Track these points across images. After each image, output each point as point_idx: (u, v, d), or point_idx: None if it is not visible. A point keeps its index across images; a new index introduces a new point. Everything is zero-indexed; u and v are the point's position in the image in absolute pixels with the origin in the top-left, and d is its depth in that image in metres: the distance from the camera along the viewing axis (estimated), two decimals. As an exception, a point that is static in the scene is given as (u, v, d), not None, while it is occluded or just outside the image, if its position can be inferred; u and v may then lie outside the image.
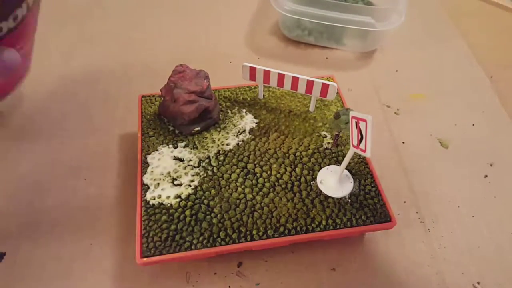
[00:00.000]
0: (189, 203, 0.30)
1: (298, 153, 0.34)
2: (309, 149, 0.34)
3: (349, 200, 0.30)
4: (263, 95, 0.39)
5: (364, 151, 0.25)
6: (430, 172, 0.38)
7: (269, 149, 0.34)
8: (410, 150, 0.40)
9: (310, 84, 0.34)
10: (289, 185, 0.31)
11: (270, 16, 0.55)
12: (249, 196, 0.30)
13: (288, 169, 0.32)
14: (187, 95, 0.34)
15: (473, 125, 0.42)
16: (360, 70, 0.48)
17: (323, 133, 0.35)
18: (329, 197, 0.30)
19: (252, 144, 0.34)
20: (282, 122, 0.36)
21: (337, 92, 0.38)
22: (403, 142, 0.40)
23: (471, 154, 0.39)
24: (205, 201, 0.30)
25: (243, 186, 0.31)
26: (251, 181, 0.31)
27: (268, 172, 0.32)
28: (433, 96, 0.45)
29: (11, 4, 0.24)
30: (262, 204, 0.30)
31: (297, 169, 0.32)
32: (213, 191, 0.31)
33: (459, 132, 0.41)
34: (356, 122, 0.26)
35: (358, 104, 0.44)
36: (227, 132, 0.35)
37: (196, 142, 0.34)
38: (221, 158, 0.33)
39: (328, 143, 0.34)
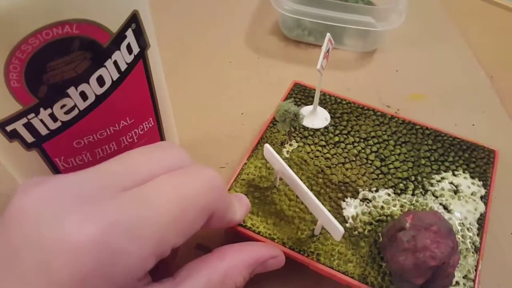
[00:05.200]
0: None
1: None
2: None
3: None
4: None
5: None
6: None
7: None
8: (410, 150, 0.40)
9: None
10: None
11: (270, 16, 0.55)
12: None
13: None
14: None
15: (473, 125, 0.42)
16: (360, 70, 0.48)
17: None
18: None
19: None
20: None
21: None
22: (403, 142, 0.40)
23: (471, 154, 0.39)
24: None
25: None
26: None
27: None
28: (433, 96, 0.45)
29: None
30: None
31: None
32: None
33: (459, 132, 0.41)
34: (324, 56, 0.31)
35: (358, 104, 0.44)
36: None
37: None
38: None
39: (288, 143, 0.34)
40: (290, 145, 0.34)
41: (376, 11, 0.45)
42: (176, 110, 0.40)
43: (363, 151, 0.34)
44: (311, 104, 0.36)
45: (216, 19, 0.55)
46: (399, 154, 0.33)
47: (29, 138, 0.23)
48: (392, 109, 0.43)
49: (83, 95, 0.23)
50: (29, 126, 0.22)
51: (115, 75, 0.24)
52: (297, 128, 0.33)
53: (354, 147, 0.34)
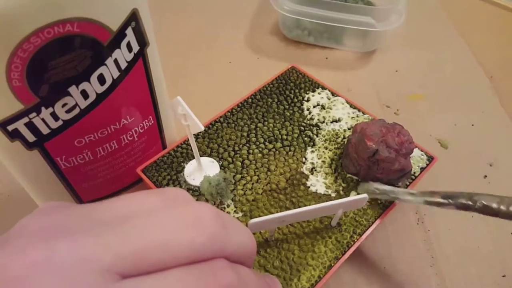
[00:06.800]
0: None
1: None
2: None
3: None
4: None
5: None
6: (429, 173, 0.38)
7: None
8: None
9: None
10: None
11: (270, 16, 0.55)
12: None
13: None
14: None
15: (472, 125, 0.42)
16: (360, 70, 0.48)
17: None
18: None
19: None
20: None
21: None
22: (403, 142, 0.40)
23: (471, 154, 0.39)
24: None
25: None
26: None
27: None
28: (433, 96, 0.45)
29: None
30: None
31: None
32: None
33: (459, 132, 0.41)
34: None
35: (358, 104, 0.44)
36: None
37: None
38: None
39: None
40: (228, 206, 0.30)
41: (376, 11, 0.45)
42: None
43: (258, 145, 0.34)
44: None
45: (216, 19, 0.55)
46: (274, 127, 0.35)
47: (31, 138, 0.23)
48: (392, 109, 0.44)
49: (84, 94, 0.23)
50: (30, 126, 0.22)
51: (116, 73, 0.24)
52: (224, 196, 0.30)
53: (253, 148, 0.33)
